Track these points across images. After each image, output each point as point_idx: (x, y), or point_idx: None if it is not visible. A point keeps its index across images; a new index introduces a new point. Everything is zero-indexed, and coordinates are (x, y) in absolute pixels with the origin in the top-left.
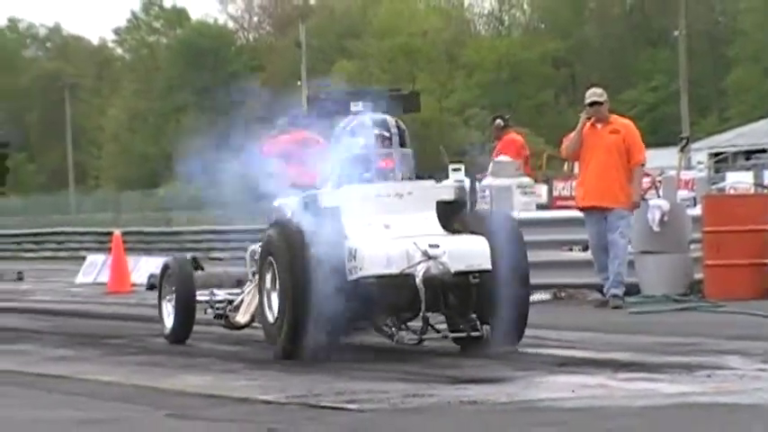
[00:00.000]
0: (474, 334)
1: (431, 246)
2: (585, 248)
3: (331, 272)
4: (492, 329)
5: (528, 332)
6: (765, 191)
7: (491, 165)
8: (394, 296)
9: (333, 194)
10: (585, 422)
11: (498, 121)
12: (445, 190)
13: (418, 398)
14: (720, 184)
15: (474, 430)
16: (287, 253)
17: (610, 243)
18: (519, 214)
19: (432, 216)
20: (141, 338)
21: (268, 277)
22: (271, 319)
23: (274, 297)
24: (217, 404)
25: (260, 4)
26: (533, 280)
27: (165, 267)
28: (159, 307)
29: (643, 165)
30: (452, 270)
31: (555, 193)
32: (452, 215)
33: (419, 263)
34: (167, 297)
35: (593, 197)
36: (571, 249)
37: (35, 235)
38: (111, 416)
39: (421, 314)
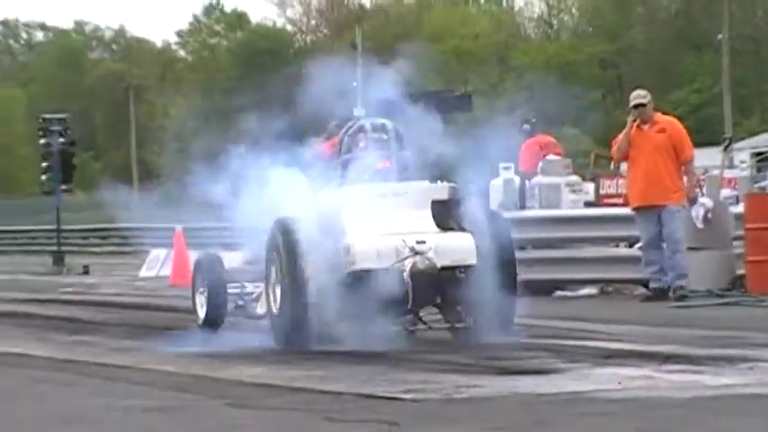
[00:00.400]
0: (458, 325)
1: (418, 242)
2: (631, 245)
3: (328, 266)
4: (479, 322)
5: (575, 325)
6: None
7: (540, 164)
8: (384, 289)
9: (334, 194)
10: (631, 413)
11: (526, 126)
12: (440, 190)
13: (470, 388)
14: (762, 183)
15: (522, 420)
16: (287, 249)
17: (668, 239)
18: (567, 212)
19: (426, 214)
20: (199, 330)
21: (273, 271)
22: (275, 310)
23: (278, 290)
24: (274, 394)
25: (317, 8)
26: (581, 275)
27: (198, 262)
28: (193, 299)
29: (692, 161)
30: (439, 265)
31: (602, 191)
32: (447, 214)
33: (406, 258)
34: (200, 289)
35: (644, 197)
36: (617, 245)
37: (100, 230)
38: (175, 404)
39: (409, 306)
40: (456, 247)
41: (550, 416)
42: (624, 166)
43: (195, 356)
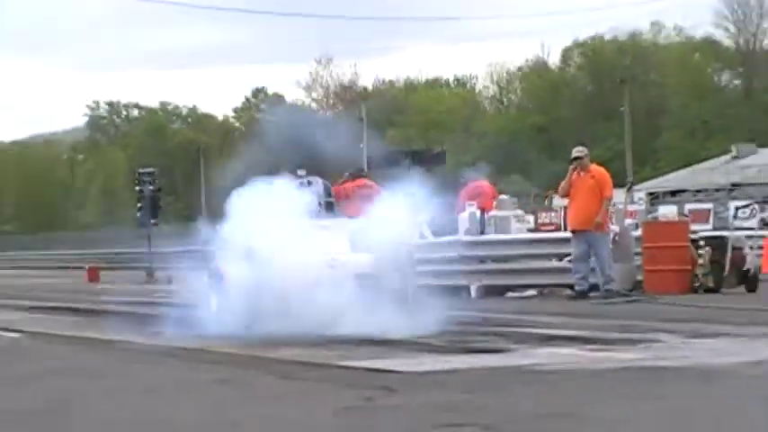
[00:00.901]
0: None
1: (332, 259)
2: (560, 259)
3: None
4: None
5: (521, 317)
6: (685, 218)
7: (495, 201)
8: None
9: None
10: (562, 381)
11: (462, 179)
12: (355, 224)
13: (445, 363)
14: (654, 214)
15: (482, 386)
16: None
17: (595, 256)
18: (514, 236)
19: (345, 241)
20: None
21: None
22: (214, 308)
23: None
24: (308, 369)
25: (333, 91)
26: (525, 281)
27: (210, 274)
28: (207, 296)
29: (609, 198)
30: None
31: (540, 221)
32: (361, 240)
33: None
34: (212, 290)
35: (577, 224)
36: (551, 260)
37: (183, 252)
38: (237, 377)
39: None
40: (360, 262)
41: (503, 383)
42: (556, 203)
43: (247, 342)
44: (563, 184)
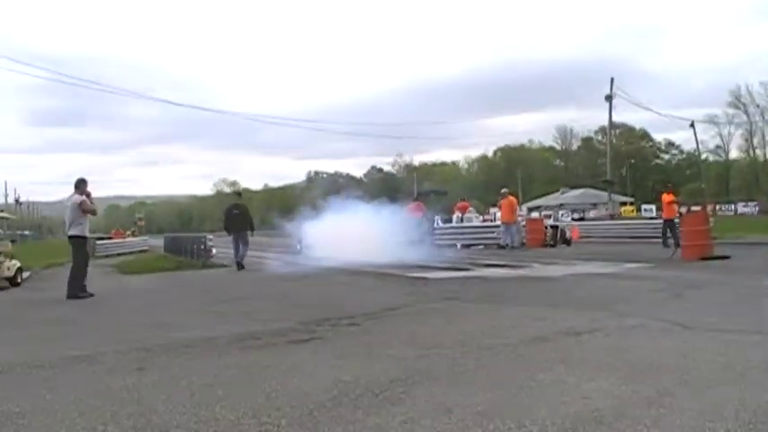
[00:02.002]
0: None
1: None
2: (493, 232)
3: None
4: None
5: (476, 256)
6: (542, 217)
7: (468, 210)
8: None
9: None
10: (494, 282)
11: (459, 201)
12: (406, 216)
13: (445, 274)
14: (530, 216)
15: (460, 284)
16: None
17: (512, 233)
18: (474, 223)
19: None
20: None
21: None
22: (299, 247)
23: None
24: (389, 276)
25: (404, 167)
26: (479, 241)
27: (298, 239)
28: (296, 247)
29: (516, 210)
30: None
31: (484, 218)
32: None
33: None
34: (299, 244)
35: (504, 221)
36: (489, 232)
37: None
38: (354, 279)
39: None
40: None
41: (471, 282)
42: (491, 211)
43: (358, 265)
44: (498, 204)
